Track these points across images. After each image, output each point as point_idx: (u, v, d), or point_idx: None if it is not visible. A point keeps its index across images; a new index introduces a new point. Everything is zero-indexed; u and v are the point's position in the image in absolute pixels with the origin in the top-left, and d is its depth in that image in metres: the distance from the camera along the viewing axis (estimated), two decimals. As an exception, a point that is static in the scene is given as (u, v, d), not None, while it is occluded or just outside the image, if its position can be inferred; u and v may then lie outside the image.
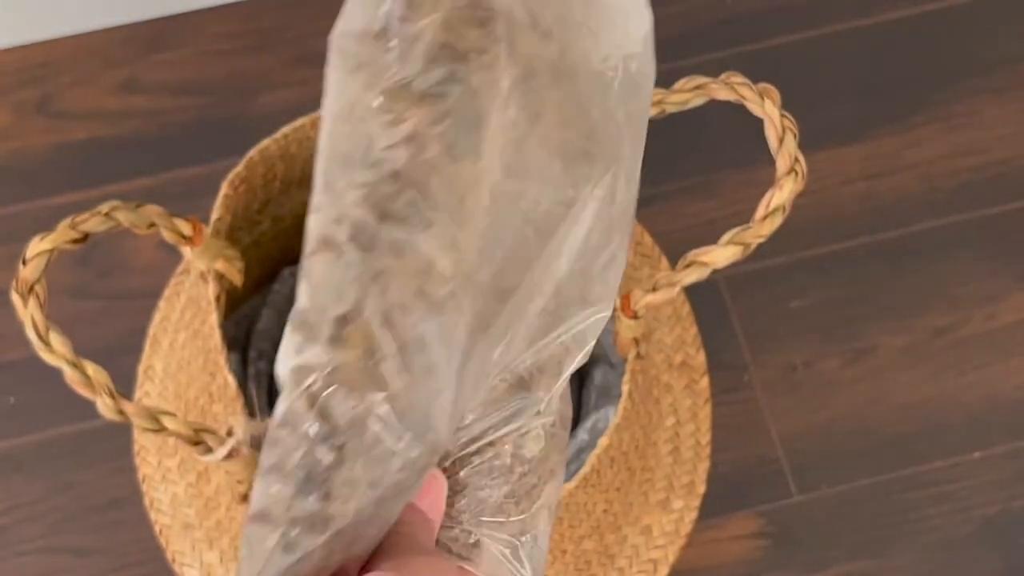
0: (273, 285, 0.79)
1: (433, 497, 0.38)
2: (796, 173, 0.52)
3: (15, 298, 0.51)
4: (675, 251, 0.63)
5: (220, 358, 0.65)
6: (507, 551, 0.40)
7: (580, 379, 0.79)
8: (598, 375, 0.77)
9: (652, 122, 0.56)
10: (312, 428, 0.34)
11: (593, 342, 0.41)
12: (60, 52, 0.98)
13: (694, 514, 0.79)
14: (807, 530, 0.86)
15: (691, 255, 0.54)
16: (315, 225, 0.34)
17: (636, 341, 0.64)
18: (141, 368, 0.82)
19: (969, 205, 0.94)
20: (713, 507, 0.84)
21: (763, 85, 0.52)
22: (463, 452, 0.39)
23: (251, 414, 0.66)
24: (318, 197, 0.34)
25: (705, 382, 0.80)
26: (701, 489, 0.79)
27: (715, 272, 0.54)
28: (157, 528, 0.78)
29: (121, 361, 0.84)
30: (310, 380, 0.34)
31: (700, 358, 0.81)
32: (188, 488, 0.76)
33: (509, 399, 0.39)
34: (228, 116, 0.97)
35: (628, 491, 0.75)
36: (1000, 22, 0.99)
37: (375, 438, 0.34)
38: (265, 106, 0.97)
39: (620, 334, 0.63)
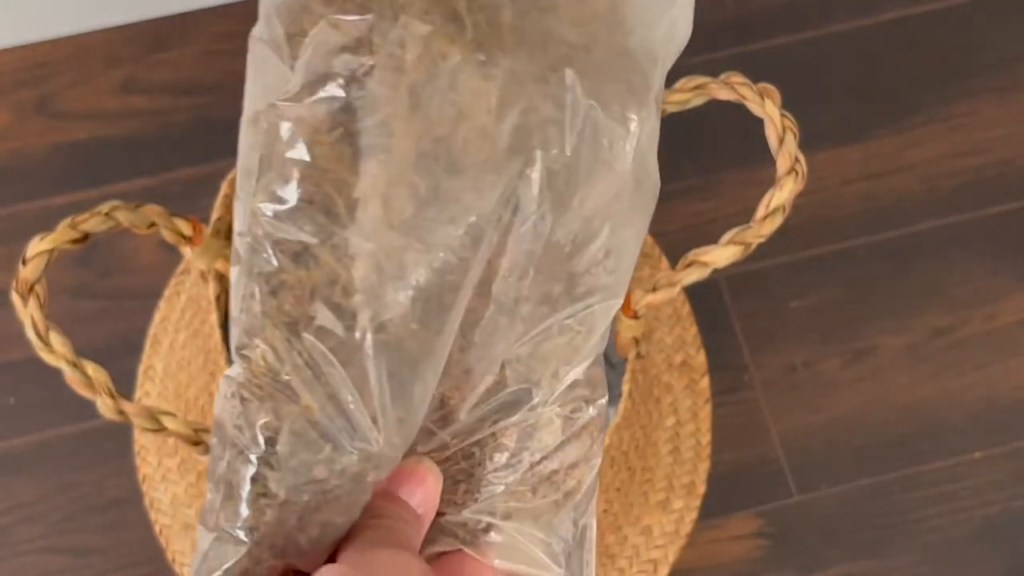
0: (273, 285, 0.79)
1: (424, 491, 0.38)
2: (796, 173, 0.52)
3: (15, 298, 0.51)
4: (675, 251, 0.63)
5: (220, 358, 0.65)
6: (526, 537, 0.39)
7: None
8: (598, 375, 0.77)
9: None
10: (234, 439, 0.35)
11: (603, 330, 0.40)
12: (60, 52, 0.98)
13: (694, 514, 0.79)
14: (807, 530, 0.86)
15: (691, 255, 0.54)
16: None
17: (636, 341, 0.64)
18: (141, 368, 0.82)
19: (969, 205, 0.94)
20: (713, 507, 0.84)
21: (763, 85, 0.52)
22: (464, 444, 0.39)
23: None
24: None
25: (705, 382, 0.80)
26: (701, 489, 0.79)
27: (715, 272, 0.54)
28: (157, 528, 0.78)
29: (121, 361, 0.84)
30: (231, 390, 0.35)
31: (700, 358, 0.81)
32: (188, 488, 0.76)
33: (503, 392, 0.39)
34: (228, 116, 0.97)
35: (628, 491, 0.75)
36: (1000, 22, 0.99)
37: (290, 450, 0.35)
38: (265, 106, 0.97)
39: (620, 334, 0.63)
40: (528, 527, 0.39)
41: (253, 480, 0.35)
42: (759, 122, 0.53)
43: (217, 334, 0.64)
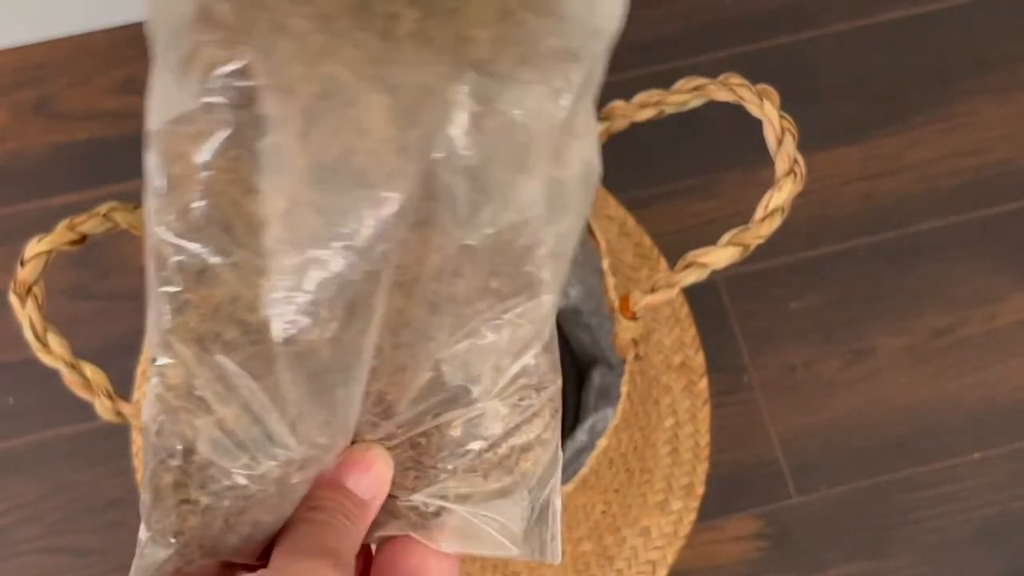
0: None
1: (371, 478, 0.39)
2: (795, 174, 0.52)
3: (13, 299, 0.51)
4: (674, 252, 0.63)
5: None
6: (479, 519, 0.40)
7: (579, 380, 0.79)
8: (597, 377, 0.77)
9: (652, 123, 0.56)
10: (155, 447, 0.36)
11: (548, 322, 0.40)
12: (59, 52, 0.98)
13: (693, 515, 0.79)
14: (806, 531, 0.86)
15: (690, 256, 0.54)
16: None
17: (635, 342, 0.63)
18: (139, 369, 0.82)
19: (969, 205, 0.94)
20: (712, 508, 0.84)
21: (762, 86, 0.52)
22: (410, 435, 0.39)
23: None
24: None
25: (704, 383, 0.80)
26: (700, 490, 0.79)
27: (714, 273, 0.54)
28: (156, 529, 0.78)
29: (119, 362, 0.84)
30: (151, 399, 0.36)
31: (699, 359, 0.81)
32: (187, 489, 0.76)
33: (441, 388, 0.39)
34: (227, 116, 0.97)
35: (627, 492, 0.75)
36: (1000, 22, 0.99)
37: (207, 460, 0.36)
38: (264, 106, 0.97)
39: (619, 335, 0.63)
40: (481, 509, 0.40)
41: (174, 488, 0.36)
42: (758, 123, 0.53)
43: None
